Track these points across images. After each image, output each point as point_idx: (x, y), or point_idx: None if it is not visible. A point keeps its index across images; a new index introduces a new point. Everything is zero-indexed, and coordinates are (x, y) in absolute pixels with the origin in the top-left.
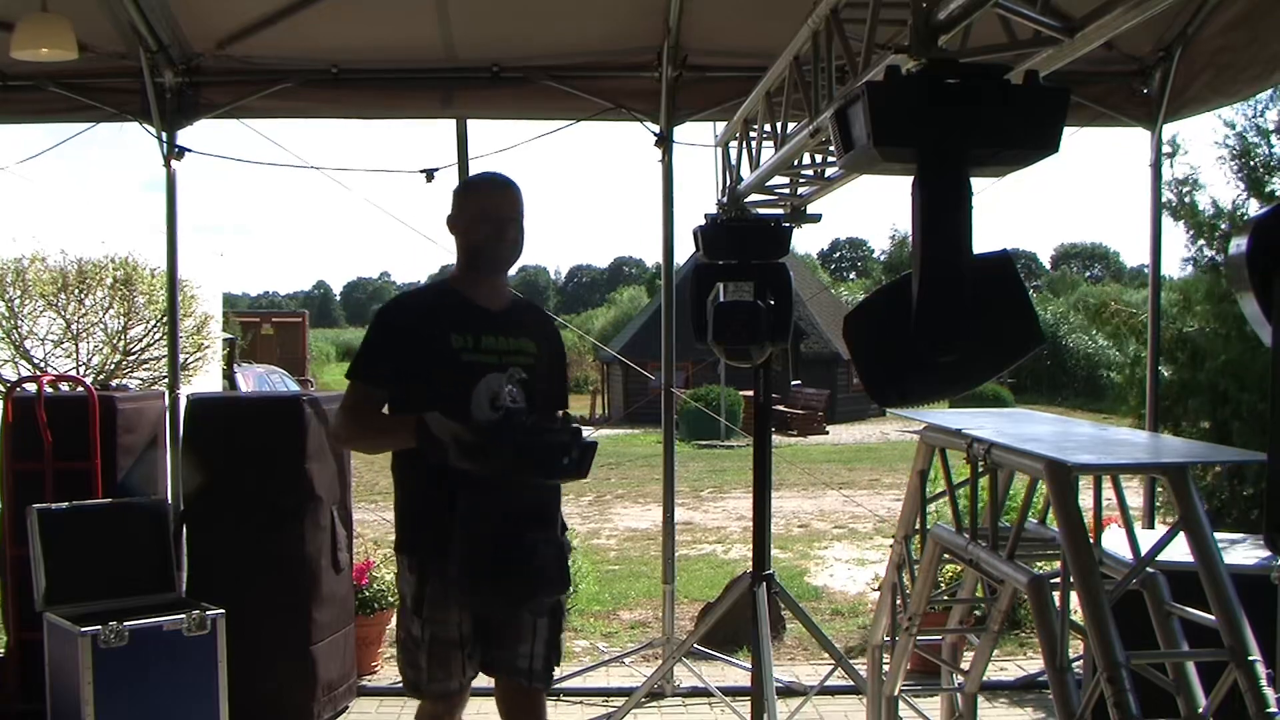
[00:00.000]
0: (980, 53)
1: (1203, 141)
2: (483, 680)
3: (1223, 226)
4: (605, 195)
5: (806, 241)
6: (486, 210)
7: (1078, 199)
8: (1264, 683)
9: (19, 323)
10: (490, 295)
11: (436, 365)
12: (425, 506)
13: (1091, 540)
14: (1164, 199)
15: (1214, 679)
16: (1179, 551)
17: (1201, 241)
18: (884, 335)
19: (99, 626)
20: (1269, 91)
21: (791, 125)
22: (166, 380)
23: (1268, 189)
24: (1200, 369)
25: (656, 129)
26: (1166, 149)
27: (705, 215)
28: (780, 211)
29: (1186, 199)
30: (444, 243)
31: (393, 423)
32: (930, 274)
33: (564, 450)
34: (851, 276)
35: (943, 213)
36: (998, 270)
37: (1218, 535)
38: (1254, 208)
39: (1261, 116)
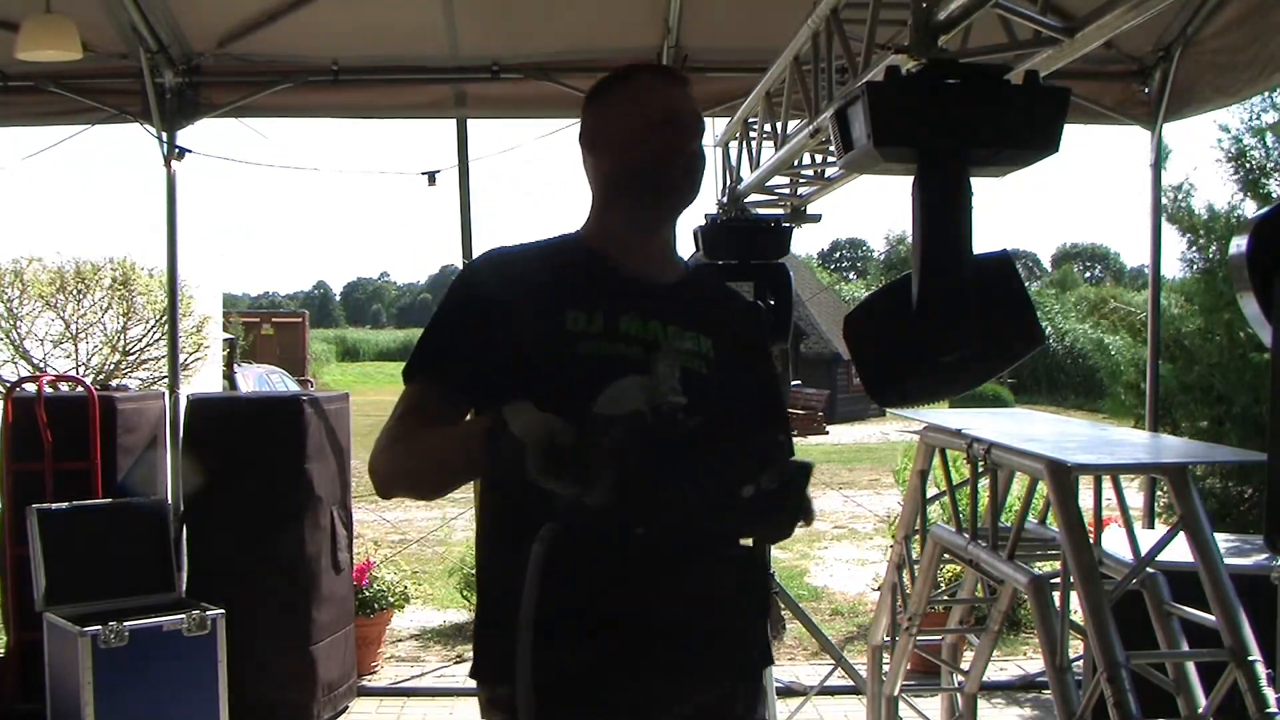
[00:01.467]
0: (980, 53)
1: (1198, 145)
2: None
3: (1220, 229)
4: None
5: (806, 241)
6: (652, 112)
7: (1078, 199)
8: (1264, 683)
9: (18, 323)
10: (647, 257)
11: (536, 359)
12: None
13: (1091, 540)
14: (1160, 203)
15: (1214, 679)
16: (1179, 551)
17: (1201, 243)
18: (884, 335)
19: (99, 626)
20: (1264, 94)
21: (791, 125)
22: (166, 380)
23: (1264, 190)
24: (1192, 371)
25: None
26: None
27: (705, 215)
28: (780, 211)
29: (1182, 204)
30: (445, 243)
31: (450, 437)
32: (930, 274)
33: (738, 475)
34: (851, 276)
35: (943, 212)
36: (998, 270)
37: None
38: (1250, 209)
39: (1258, 119)
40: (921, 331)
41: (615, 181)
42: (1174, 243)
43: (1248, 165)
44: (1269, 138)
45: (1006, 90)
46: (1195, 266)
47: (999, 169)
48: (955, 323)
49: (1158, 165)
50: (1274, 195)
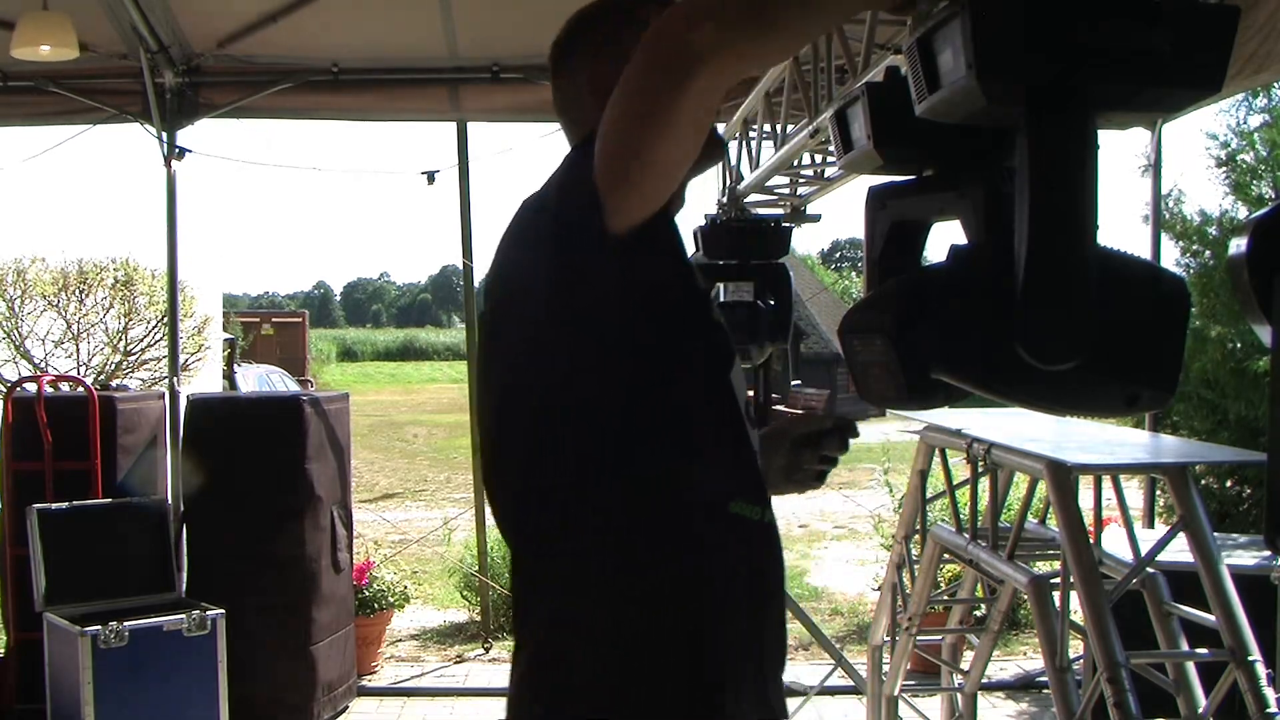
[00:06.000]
0: None
1: (1185, 152)
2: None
3: (1212, 231)
4: None
5: (806, 241)
6: None
7: None
8: (1264, 683)
9: (19, 323)
10: None
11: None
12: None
13: (1091, 540)
14: (1160, 205)
15: (1214, 679)
16: (1179, 551)
17: (1194, 249)
18: (949, 328)
19: (99, 626)
20: (1249, 97)
21: (791, 125)
22: (166, 380)
23: (1254, 193)
24: (1187, 379)
25: None
26: (1145, 161)
27: (705, 215)
28: (780, 211)
29: (1173, 209)
30: (444, 243)
31: None
32: (1040, 254)
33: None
34: (852, 276)
35: (1059, 171)
36: (1163, 292)
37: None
38: (1242, 212)
39: (1244, 123)
40: (1021, 326)
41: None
42: (1166, 249)
43: (1238, 169)
44: (1257, 141)
45: (1150, 6)
46: (1189, 272)
47: (1136, 115)
48: (1066, 323)
49: (1157, 166)
50: (1264, 198)
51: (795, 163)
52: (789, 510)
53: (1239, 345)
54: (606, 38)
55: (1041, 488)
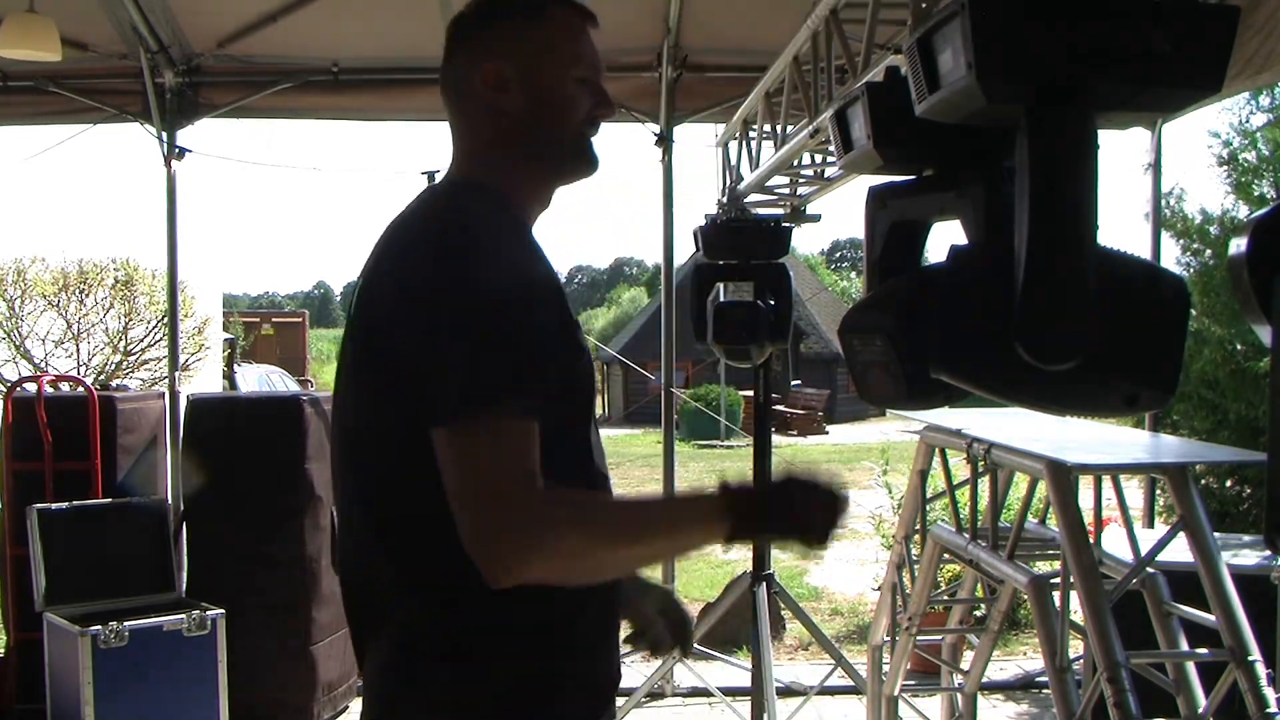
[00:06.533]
0: None
1: (1187, 150)
2: None
3: (1213, 230)
4: (605, 195)
5: (806, 241)
6: (584, 56)
7: None
8: (1264, 683)
9: (19, 323)
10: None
11: (575, 358)
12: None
13: (1091, 540)
14: (1160, 204)
15: (1214, 679)
16: (1179, 551)
17: (1195, 247)
18: (951, 325)
19: (99, 626)
20: (1253, 96)
21: (791, 125)
22: (166, 380)
23: (1255, 193)
24: (1187, 379)
25: (656, 129)
26: (1147, 160)
27: (705, 215)
28: (780, 211)
29: (1175, 208)
30: None
31: (677, 512)
32: (1040, 254)
33: None
34: (852, 276)
35: (1060, 169)
36: (1164, 292)
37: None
38: (1244, 211)
39: (1247, 123)
40: (1021, 326)
41: (549, 139)
42: (1167, 247)
43: (1240, 168)
44: (1259, 141)
45: (1150, 6)
46: (1190, 271)
47: (1136, 115)
48: (1066, 323)
49: (1157, 165)
50: (1266, 197)
51: (795, 163)
52: None
53: (1239, 345)
54: (509, 35)
55: (1041, 488)
